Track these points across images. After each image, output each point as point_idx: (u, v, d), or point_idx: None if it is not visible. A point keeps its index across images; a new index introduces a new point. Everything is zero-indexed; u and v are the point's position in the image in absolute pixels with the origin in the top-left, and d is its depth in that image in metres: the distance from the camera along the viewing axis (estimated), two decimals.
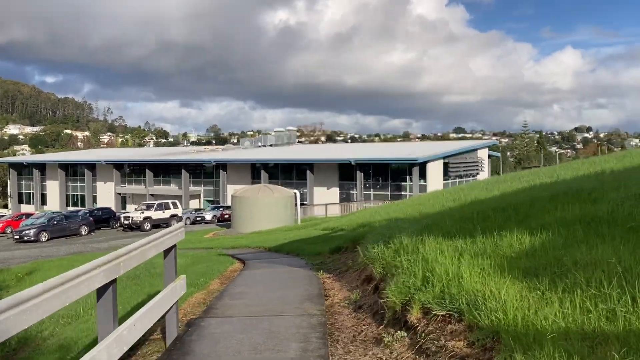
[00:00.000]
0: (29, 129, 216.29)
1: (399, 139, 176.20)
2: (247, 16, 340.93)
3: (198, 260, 14.07)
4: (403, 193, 48.89)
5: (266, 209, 31.89)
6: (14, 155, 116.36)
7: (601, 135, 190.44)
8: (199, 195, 60.26)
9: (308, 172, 52.27)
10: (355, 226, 19.48)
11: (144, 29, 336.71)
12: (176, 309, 5.03)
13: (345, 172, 51.71)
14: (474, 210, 6.69)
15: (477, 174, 56.42)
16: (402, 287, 4.47)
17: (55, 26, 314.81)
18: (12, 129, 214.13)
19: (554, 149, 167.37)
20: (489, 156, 62.10)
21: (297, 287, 7.04)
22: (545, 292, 3.43)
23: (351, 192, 51.66)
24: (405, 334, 4.05)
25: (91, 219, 37.20)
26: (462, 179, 53.52)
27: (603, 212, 4.86)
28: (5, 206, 73.20)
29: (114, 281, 3.67)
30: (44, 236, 33.05)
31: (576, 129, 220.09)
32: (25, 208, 68.68)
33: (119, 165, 64.09)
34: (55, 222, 34.44)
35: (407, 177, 49.02)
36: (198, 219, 45.01)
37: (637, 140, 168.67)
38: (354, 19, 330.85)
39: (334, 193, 52.45)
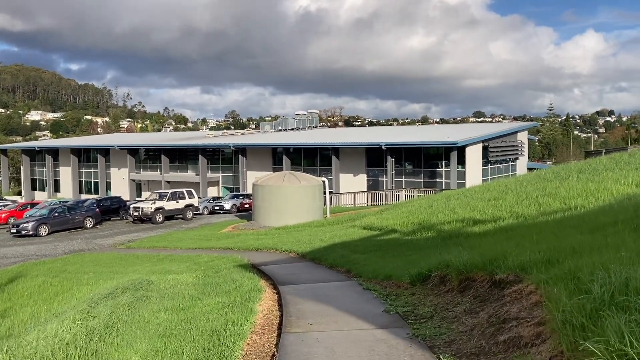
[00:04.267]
0: (50, 115, 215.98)
1: (417, 123, 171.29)
2: (269, 2, 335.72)
3: (210, 281, 10.14)
4: (438, 180, 44.68)
5: (292, 200, 27.93)
6: (36, 140, 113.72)
7: (624, 119, 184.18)
8: (218, 182, 56.63)
9: (333, 157, 48.23)
10: (411, 227, 15.37)
11: (168, 15, 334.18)
12: None
13: (373, 157, 47.58)
14: None
15: (517, 158, 51.91)
16: None
17: (80, 13, 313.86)
18: (34, 115, 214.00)
19: (575, 132, 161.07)
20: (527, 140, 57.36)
21: None
22: None
23: (380, 179, 47.54)
24: None
25: (97, 210, 33.44)
26: (501, 164, 49.17)
27: None
28: (19, 193, 70.44)
29: None
30: (43, 230, 29.37)
31: (598, 113, 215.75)
32: (39, 195, 65.91)
33: (133, 151, 60.65)
34: (57, 214, 30.71)
35: (443, 162, 44.72)
36: (216, 208, 41.33)
37: None
38: (374, 5, 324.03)
39: (361, 180, 48.41)
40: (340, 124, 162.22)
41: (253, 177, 38.64)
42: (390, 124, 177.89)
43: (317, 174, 43.75)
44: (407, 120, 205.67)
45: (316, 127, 70.09)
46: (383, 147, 44.27)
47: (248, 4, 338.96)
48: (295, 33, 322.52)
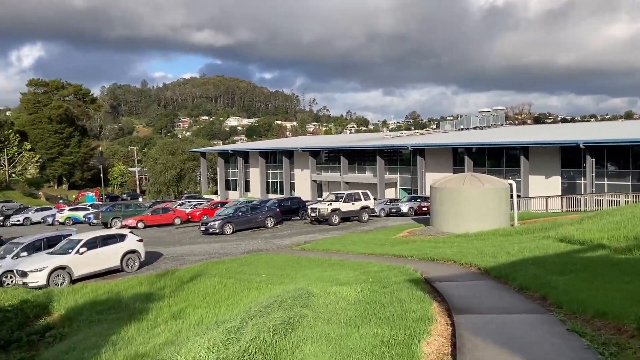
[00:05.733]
0: (245, 121, 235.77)
1: (619, 119, 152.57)
2: (452, 0, 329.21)
3: (375, 299, 8.81)
4: None
5: (474, 204, 25.53)
6: (234, 144, 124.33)
7: None
8: (395, 183, 55.52)
9: (522, 157, 44.03)
10: (624, 242, 12.47)
11: (352, 22, 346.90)
12: None
13: (569, 157, 42.45)
14: None
15: None
16: None
17: (273, 27, 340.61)
18: (232, 121, 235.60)
19: None
20: None
21: None
22: None
23: (577, 181, 42.29)
24: None
25: (278, 210, 34.46)
26: None
27: None
28: (215, 192, 76.93)
29: None
30: (228, 228, 30.92)
31: None
32: (232, 194, 71.22)
33: (314, 153, 62.34)
34: (241, 214, 32.13)
35: None
36: (393, 210, 40.16)
37: None
38: None
39: (554, 183, 43.51)
40: (529, 121, 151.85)
41: (432, 179, 36.76)
42: (587, 121, 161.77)
43: (503, 175, 40.33)
44: (607, 116, 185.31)
45: (502, 125, 65.48)
46: (581, 146, 39.20)
47: (431, 3, 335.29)
48: (480, 29, 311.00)
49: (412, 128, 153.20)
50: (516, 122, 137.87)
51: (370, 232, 28.02)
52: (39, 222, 46.67)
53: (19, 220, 46.53)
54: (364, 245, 22.21)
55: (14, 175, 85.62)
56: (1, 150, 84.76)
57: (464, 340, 5.67)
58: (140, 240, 21.71)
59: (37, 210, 49.90)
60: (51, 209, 52.07)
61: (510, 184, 27.34)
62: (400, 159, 55.39)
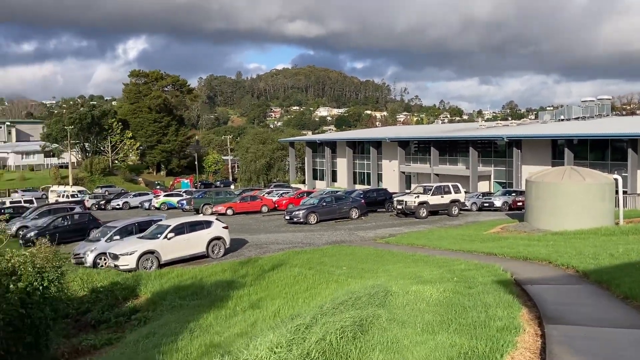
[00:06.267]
0: (335, 111, 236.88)
1: None
2: None
3: (457, 302, 8.10)
4: None
5: (573, 200, 23.73)
6: (323, 134, 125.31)
7: None
8: (489, 176, 53.14)
9: (629, 150, 40.60)
10: None
11: (447, 9, 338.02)
12: None
13: None
14: None
15: None
16: None
17: (365, 16, 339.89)
18: (322, 111, 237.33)
19: None
20: None
21: None
22: None
23: None
24: None
25: (362, 201, 33.96)
26: None
27: None
28: (303, 182, 77.61)
29: None
30: (312, 218, 30.85)
31: None
32: (319, 184, 71.50)
33: (403, 143, 61.05)
34: (325, 204, 31.95)
35: None
36: (485, 204, 38.38)
37: None
38: None
39: None
40: (638, 112, 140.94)
41: (528, 172, 34.74)
42: None
43: (607, 170, 37.41)
44: None
45: (607, 115, 60.87)
46: None
47: None
48: (585, 14, 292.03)
49: (509, 118, 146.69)
50: (624, 112, 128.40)
51: (460, 227, 26.87)
52: (137, 207, 49.17)
53: (118, 205, 49.30)
54: (451, 240, 21.24)
55: (116, 161, 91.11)
56: (105, 138, 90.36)
57: (555, 359, 4.92)
58: (226, 227, 22.03)
59: (135, 195, 52.67)
60: (148, 194, 54.75)
61: (616, 179, 25.18)
62: (494, 150, 52.98)
